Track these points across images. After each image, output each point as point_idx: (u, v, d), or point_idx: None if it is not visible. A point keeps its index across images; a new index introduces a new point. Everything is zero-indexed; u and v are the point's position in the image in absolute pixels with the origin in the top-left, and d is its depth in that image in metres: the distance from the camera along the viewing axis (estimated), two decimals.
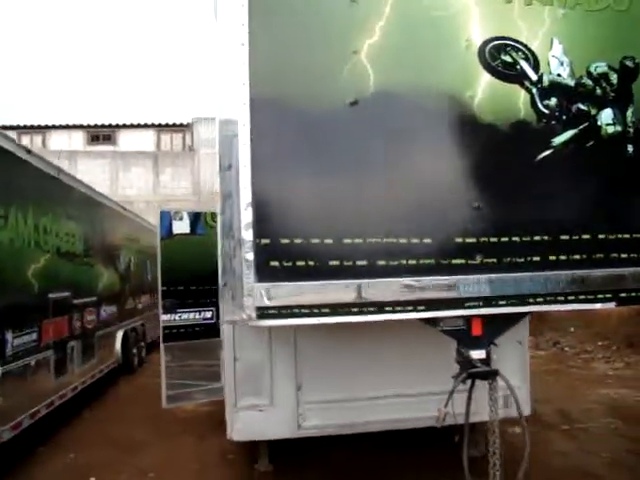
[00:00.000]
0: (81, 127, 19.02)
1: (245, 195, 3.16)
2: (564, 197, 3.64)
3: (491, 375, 3.61)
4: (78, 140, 18.47)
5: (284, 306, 3.18)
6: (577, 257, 3.58)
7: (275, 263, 3.18)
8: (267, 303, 3.15)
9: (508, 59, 3.60)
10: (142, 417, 7.61)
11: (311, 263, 3.22)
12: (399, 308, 3.32)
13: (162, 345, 6.31)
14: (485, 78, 3.55)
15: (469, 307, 3.42)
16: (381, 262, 3.31)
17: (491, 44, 3.57)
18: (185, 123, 19.20)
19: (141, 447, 6.29)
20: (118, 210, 10.87)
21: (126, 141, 18.74)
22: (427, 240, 3.38)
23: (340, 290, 3.22)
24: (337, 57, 3.37)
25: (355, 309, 3.26)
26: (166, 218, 6.39)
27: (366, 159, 3.38)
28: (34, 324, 6.17)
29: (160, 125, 19.15)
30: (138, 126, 18.56)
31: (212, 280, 6.52)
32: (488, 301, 3.44)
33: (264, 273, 3.15)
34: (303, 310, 3.21)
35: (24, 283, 6.04)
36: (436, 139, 3.52)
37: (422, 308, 3.35)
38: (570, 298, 3.58)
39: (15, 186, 5.86)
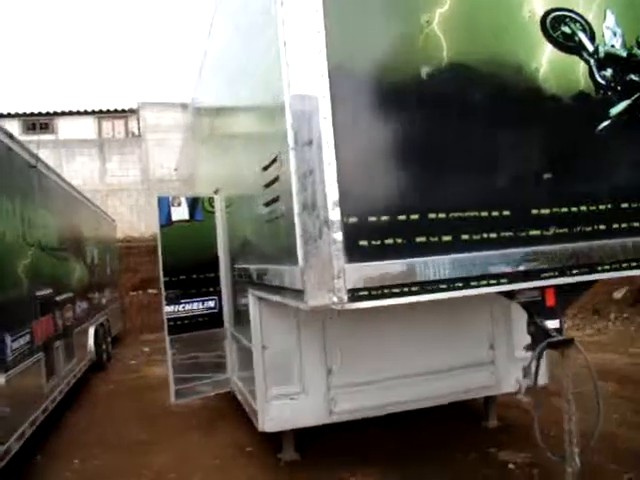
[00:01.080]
0: (16, 115, 17.84)
1: (330, 171, 3.00)
2: (623, 166, 3.69)
3: (568, 344, 3.61)
4: (13, 130, 17.15)
5: (375, 287, 3.05)
6: (637, 224, 3.65)
7: (364, 242, 3.05)
8: (359, 284, 3.01)
9: (567, 30, 3.58)
10: (134, 415, 7.28)
11: (399, 241, 3.11)
12: (484, 282, 3.27)
13: (167, 338, 6.01)
14: (548, 49, 3.52)
15: (545, 278, 3.41)
16: (464, 236, 3.24)
17: (551, 15, 3.55)
18: (128, 109, 18.38)
19: (148, 447, 5.98)
20: (82, 199, 10.31)
21: (66, 129, 17.71)
22: (506, 212, 3.34)
23: (429, 267, 3.13)
24: (411, 26, 3.26)
25: (443, 285, 3.18)
26: (165, 204, 6.07)
27: (442, 132, 3.30)
28: (27, 325, 5.74)
29: (101, 112, 18.21)
30: (78, 113, 17.61)
31: (213, 267, 6.33)
32: (562, 271, 3.44)
33: (353, 253, 3.02)
34: (394, 290, 3.09)
35: (16, 280, 5.60)
36: (506, 111, 3.46)
37: (505, 281, 3.31)
38: (633, 264, 3.63)
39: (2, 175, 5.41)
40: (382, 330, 5.05)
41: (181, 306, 6.06)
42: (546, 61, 3.50)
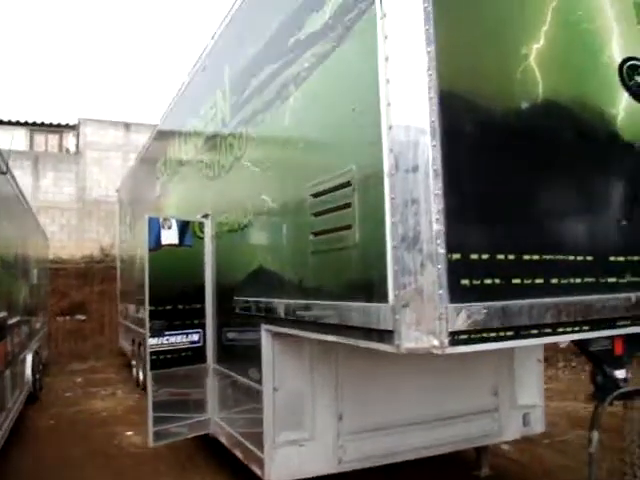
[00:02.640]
0: None
1: (437, 202, 2.76)
2: None
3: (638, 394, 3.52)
4: None
5: (475, 330, 2.81)
6: None
7: (465, 281, 2.81)
8: (461, 327, 2.76)
9: None
10: (89, 457, 6.54)
11: (497, 281, 2.90)
12: (568, 329, 3.12)
13: (149, 373, 5.42)
14: (624, 96, 3.49)
15: (619, 326, 3.32)
16: (554, 280, 3.09)
17: (627, 64, 3.53)
18: (64, 124, 17.33)
19: None
20: (31, 210, 9.45)
21: None
22: (589, 258, 3.22)
23: (524, 311, 2.93)
24: (513, 57, 3.13)
25: (534, 331, 2.99)
26: (155, 226, 5.55)
27: (537, 170, 3.15)
28: None
29: (35, 124, 17.05)
30: (9, 123, 16.40)
31: (199, 298, 5.85)
32: (634, 319, 3.35)
33: (456, 293, 2.77)
34: (490, 334, 2.87)
35: None
36: (589, 155, 3.38)
37: (587, 328, 3.18)
38: None
39: None
40: (391, 374, 4.81)
41: (165, 338, 5.52)
42: (623, 108, 3.46)
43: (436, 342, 2.72)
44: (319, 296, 3.58)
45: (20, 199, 7.87)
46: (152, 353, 5.41)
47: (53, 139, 17.42)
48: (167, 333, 5.55)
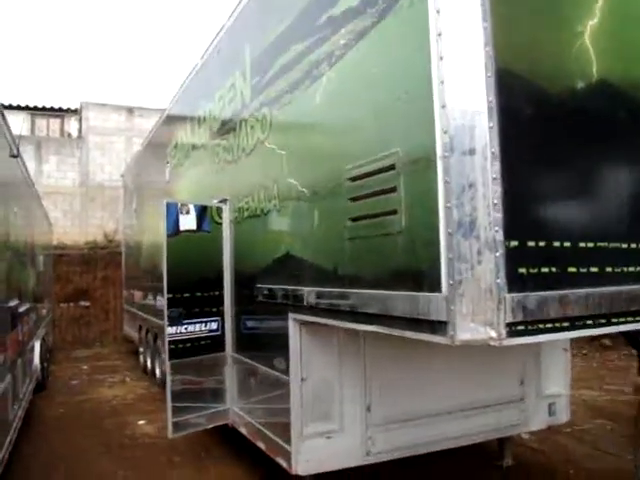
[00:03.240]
0: None
1: (495, 187, 2.61)
2: None
3: None
4: None
5: (532, 321, 2.68)
6: None
7: (523, 270, 2.68)
8: (518, 318, 2.63)
9: None
10: (102, 446, 6.44)
11: (553, 270, 2.77)
12: (622, 319, 3.00)
13: (168, 363, 5.29)
14: None
15: None
16: (608, 269, 2.96)
17: None
18: (66, 108, 17.05)
19: None
20: (37, 194, 9.27)
21: None
22: None
23: (581, 300, 2.80)
24: (568, 34, 2.98)
25: (589, 321, 2.86)
26: (173, 211, 5.38)
27: (593, 153, 3.01)
28: (1, 343, 4.89)
29: (36, 108, 16.73)
30: (10, 107, 16.09)
31: (217, 285, 5.71)
32: None
33: (513, 282, 2.64)
34: (547, 325, 2.74)
35: None
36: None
37: None
38: None
39: None
40: (419, 364, 4.72)
41: (183, 327, 5.38)
42: None
43: (493, 334, 2.60)
44: (357, 284, 3.44)
45: (28, 184, 7.70)
46: (170, 342, 5.28)
47: (55, 124, 17.15)
48: (185, 321, 5.41)
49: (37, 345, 8.43)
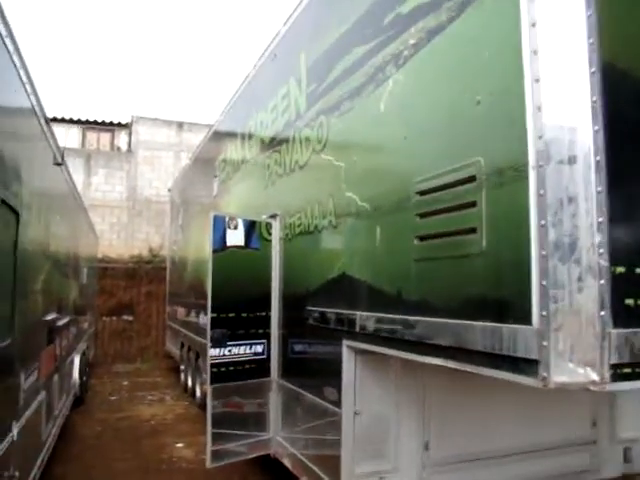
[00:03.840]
0: None
1: (600, 202, 2.20)
2: None
3: None
4: None
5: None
6: None
7: (630, 301, 2.26)
8: (625, 358, 2.20)
9: None
10: (140, 472, 6.12)
11: None
12: None
13: (209, 388, 4.97)
14: None
15: None
16: None
17: None
18: (116, 122, 17.23)
19: None
20: (83, 206, 9.20)
21: None
22: None
23: None
24: None
25: None
26: (220, 225, 5.10)
27: None
28: (35, 358, 4.66)
29: (87, 122, 16.97)
30: (63, 120, 16.34)
31: (264, 305, 5.38)
32: None
33: (619, 315, 2.21)
34: None
35: (31, 298, 4.54)
36: None
37: None
38: None
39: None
40: (482, 399, 4.28)
41: (227, 349, 5.05)
42: None
43: (595, 377, 2.17)
44: (424, 311, 3.05)
45: (74, 194, 7.59)
46: (213, 365, 4.96)
47: (105, 137, 17.31)
48: (229, 343, 5.09)
49: (77, 359, 8.25)
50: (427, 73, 3.15)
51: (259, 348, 5.33)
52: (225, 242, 5.15)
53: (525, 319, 2.31)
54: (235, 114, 7.47)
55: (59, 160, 5.37)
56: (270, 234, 5.48)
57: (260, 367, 5.33)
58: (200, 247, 9.28)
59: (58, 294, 6.24)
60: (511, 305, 2.42)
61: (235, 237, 5.22)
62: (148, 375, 12.57)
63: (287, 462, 5.02)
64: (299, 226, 4.96)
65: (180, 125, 16.43)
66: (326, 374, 4.32)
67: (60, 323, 6.09)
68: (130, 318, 14.54)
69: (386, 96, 3.50)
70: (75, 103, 36.42)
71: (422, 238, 3.10)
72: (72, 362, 7.88)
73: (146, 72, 38.62)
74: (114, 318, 14.46)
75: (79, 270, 8.82)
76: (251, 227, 5.37)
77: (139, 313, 14.64)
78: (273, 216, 5.53)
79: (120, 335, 14.35)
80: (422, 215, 3.10)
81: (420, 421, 4.17)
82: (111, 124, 17.34)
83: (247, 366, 5.23)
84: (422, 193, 3.08)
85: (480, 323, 2.58)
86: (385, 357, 3.73)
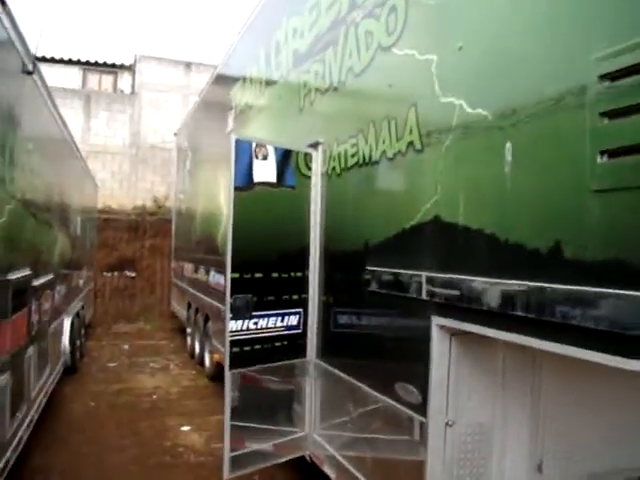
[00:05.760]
0: None
1: None
2: None
3: None
4: None
5: None
6: None
7: None
8: None
9: None
10: (138, 467, 4.93)
11: None
12: None
13: (227, 374, 3.69)
14: None
15: None
16: None
17: None
18: (119, 64, 15.61)
19: None
20: (74, 145, 7.85)
21: (47, 77, 14.78)
22: None
23: None
24: None
25: None
26: (244, 152, 3.74)
27: None
28: None
29: (88, 63, 15.30)
30: (61, 61, 14.78)
31: (300, 263, 4.08)
32: None
33: None
34: None
35: None
36: None
37: None
38: None
39: None
40: (614, 407, 3.07)
41: (252, 322, 3.76)
42: None
43: None
44: (613, 280, 1.72)
45: (58, 123, 6.22)
46: (233, 343, 3.67)
47: (107, 80, 15.70)
48: (256, 314, 3.80)
49: (67, 323, 7.01)
50: None
51: (293, 320, 4.04)
52: (251, 177, 3.79)
53: None
54: (257, 29, 6.02)
55: (29, 68, 3.98)
56: (309, 169, 4.13)
57: (294, 345, 4.05)
58: (211, 195, 7.97)
59: (35, 247, 4.95)
60: None
61: (264, 171, 3.86)
62: (151, 337, 11.40)
63: (328, 470, 3.80)
64: (353, 156, 3.59)
65: (188, 65, 14.82)
66: (398, 364, 3.05)
67: (38, 282, 4.80)
68: (132, 274, 13.30)
69: None
70: (75, 43, 34.29)
71: (612, 154, 1.75)
72: (60, 327, 6.63)
73: (151, 9, 36.31)
74: (115, 274, 13.20)
75: (70, 220, 7.52)
76: (284, 158, 4.00)
77: (142, 269, 13.38)
78: (313, 145, 4.16)
79: (122, 293, 13.12)
80: (611, 114, 1.74)
81: (533, 435, 2.93)
82: (114, 65, 15.70)
83: (277, 343, 3.95)
84: (608, 78, 1.72)
85: None
86: (492, 346, 2.49)
